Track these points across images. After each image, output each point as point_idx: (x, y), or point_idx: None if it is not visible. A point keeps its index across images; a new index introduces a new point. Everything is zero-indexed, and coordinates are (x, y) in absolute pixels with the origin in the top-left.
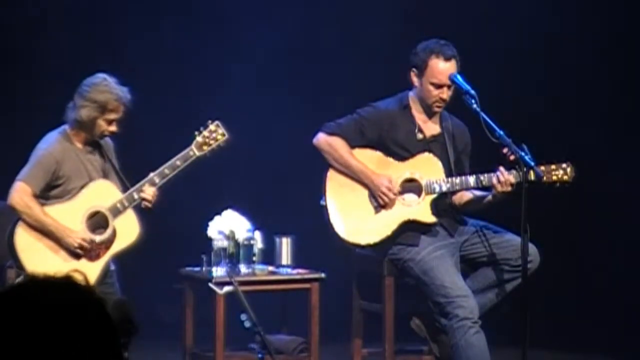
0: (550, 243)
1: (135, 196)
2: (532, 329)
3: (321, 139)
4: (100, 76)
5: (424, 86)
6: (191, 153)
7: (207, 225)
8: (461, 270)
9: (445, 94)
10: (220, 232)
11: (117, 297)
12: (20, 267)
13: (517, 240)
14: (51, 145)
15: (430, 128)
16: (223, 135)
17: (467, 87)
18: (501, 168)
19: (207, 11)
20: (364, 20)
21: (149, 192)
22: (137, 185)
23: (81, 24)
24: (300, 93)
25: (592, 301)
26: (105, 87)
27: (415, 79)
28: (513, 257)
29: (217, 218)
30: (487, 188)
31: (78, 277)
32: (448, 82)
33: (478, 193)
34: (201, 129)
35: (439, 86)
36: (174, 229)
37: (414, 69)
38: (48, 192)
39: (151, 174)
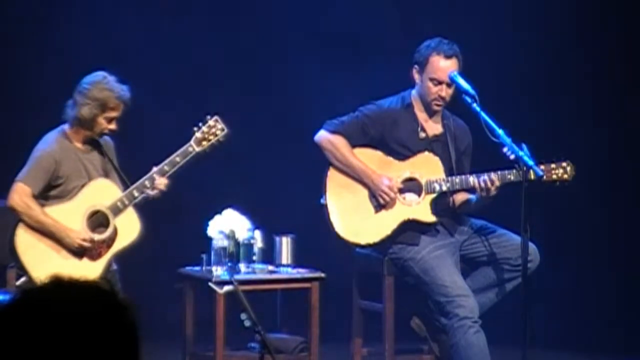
0: (550, 243)
1: (136, 194)
2: (532, 329)
3: (323, 137)
4: (100, 74)
5: (424, 83)
6: (190, 149)
7: (207, 225)
8: (461, 270)
9: (444, 91)
10: (221, 232)
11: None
12: (21, 268)
13: (517, 240)
14: (50, 145)
15: (433, 127)
16: (222, 130)
17: (467, 86)
18: (492, 175)
19: (205, 9)
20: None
21: (161, 182)
22: (137, 183)
23: (81, 20)
24: (299, 92)
25: (593, 301)
26: (106, 85)
27: (416, 76)
28: (513, 256)
29: (217, 217)
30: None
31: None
32: (447, 80)
33: (470, 196)
34: (200, 124)
35: (438, 82)
36: (174, 229)
37: (415, 66)
38: (48, 193)
39: (153, 170)
